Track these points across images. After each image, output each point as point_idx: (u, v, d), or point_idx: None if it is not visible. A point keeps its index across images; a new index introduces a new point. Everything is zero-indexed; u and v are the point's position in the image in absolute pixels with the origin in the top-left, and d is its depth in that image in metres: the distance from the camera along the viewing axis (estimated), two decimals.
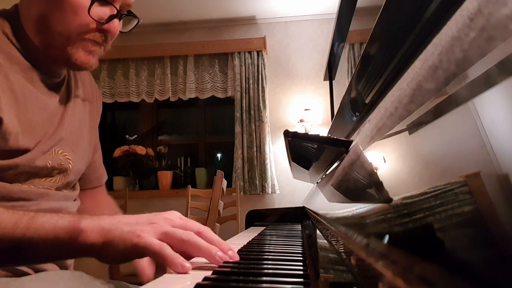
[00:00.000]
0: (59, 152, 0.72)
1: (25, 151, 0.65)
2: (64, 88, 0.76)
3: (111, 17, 0.67)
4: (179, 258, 0.46)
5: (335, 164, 0.66)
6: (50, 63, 0.70)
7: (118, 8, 0.68)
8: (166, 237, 0.49)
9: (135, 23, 0.75)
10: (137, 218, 0.52)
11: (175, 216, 0.54)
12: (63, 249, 0.51)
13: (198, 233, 0.51)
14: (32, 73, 0.68)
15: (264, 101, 3.15)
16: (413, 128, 0.26)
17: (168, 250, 0.47)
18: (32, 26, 0.67)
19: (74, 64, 0.67)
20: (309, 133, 0.68)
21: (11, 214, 0.51)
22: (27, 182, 0.67)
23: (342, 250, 0.32)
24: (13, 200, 0.65)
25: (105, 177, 0.96)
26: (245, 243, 0.73)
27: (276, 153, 3.19)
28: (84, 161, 0.81)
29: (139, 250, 0.47)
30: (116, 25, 0.69)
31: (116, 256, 0.49)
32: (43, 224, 0.51)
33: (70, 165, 0.75)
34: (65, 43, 0.66)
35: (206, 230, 0.52)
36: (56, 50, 0.67)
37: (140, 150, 3.15)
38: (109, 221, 0.50)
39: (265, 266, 0.51)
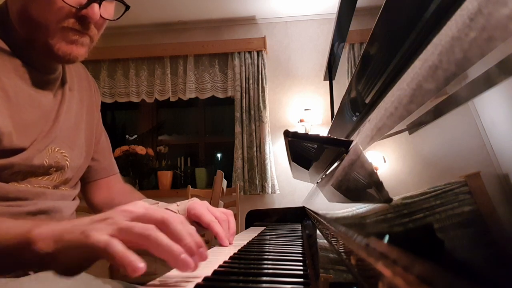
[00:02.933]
0: (56, 149, 0.72)
1: (20, 150, 0.64)
2: (58, 84, 0.75)
3: (89, 2, 0.64)
4: (130, 256, 0.39)
5: (335, 164, 0.66)
6: (39, 58, 0.69)
7: None
8: (120, 234, 0.41)
9: (124, 10, 0.71)
10: (93, 217, 0.46)
11: (137, 206, 0.46)
12: (15, 259, 0.46)
13: (162, 223, 0.43)
14: (24, 70, 0.67)
15: (264, 101, 3.15)
16: (413, 128, 0.26)
17: (116, 247, 0.39)
18: (17, 21, 0.65)
19: (57, 55, 0.65)
20: (309, 133, 0.68)
21: None
22: (24, 181, 0.67)
23: (342, 250, 0.32)
24: (10, 200, 0.64)
25: (114, 168, 0.95)
26: (245, 243, 0.73)
27: (276, 153, 3.19)
28: (82, 156, 0.80)
29: (89, 251, 0.41)
30: (96, 11, 0.65)
31: (71, 264, 0.44)
32: None
33: (67, 162, 0.74)
34: (45, 34, 0.63)
35: (172, 219, 0.44)
36: (38, 42, 0.65)
37: (140, 150, 3.15)
38: (64, 226, 0.45)
39: (265, 266, 0.51)
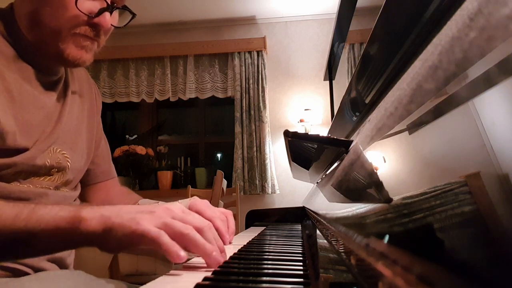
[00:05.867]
0: (58, 150, 0.72)
1: (23, 150, 0.65)
2: (61, 86, 0.75)
3: (102, 11, 0.66)
4: (175, 247, 0.46)
5: (335, 164, 0.66)
6: (45, 60, 0.70)
7: (109, 2, 0.67)
8: (164, 227, 0.49)
9: (130, 17, 0.74)
10: (138, 208, 0.52)
11: (176, 207, 0.54)
12: (64, 239, 0.51)
13: (198, 229, 0.50)
14: (28, 71, 0.68)
15: (264, 101, 3.15)
16: (413, 128, 0.26)
17: (165, 238, 0.47)
18: (25, 24, 0.66)
19: (66, 60, 0.67)
20: (309, 133, 0.68)
21: (11, 207, 0.52)
22: (26, 181, 0.67)
23: (342, 250, 0.32)
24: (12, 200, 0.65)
25: (112, 172, 0.96)
26: (245, 243, 0.73)
27: (276, 153, 3.19)
28: (83, 158, 0.81)
29: (137, 237, 0.48)
30: (107, 19, 0.67)
31: (116, 243, 0.49)
32: (44, 215, 0.51)
33: (68, 163, 0.75)
34: (56, 39, 0.65)
35: (207, 227, 0.52)
36: (48, 46, 0.66)
37: (140, 150, 3.15)
38: (110, 210, 0.51)
39: (265, 266, 0.51)
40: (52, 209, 0.52)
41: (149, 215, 0.50)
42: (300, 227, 1.11)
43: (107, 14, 0.67)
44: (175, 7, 3.18)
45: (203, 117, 3.66)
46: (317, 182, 1.07)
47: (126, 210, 0.51)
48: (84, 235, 0.50)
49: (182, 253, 0.46)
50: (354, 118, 0.66)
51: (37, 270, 0.67)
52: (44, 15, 0.64)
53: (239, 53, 3.25)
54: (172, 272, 0.46)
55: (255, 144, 3.13)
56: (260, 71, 3.19)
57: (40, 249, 0.55)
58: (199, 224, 0.52)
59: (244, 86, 3.19)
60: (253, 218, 1.36)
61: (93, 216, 0.50)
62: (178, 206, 0.54)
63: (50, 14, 0.64)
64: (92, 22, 0.66)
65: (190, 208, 0.74)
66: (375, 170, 0.33)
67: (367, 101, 0.54)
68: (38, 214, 0.51)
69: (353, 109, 0.67)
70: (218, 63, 3.33)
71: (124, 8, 0.72)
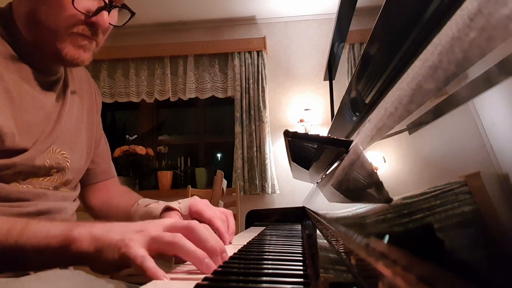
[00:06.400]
0: (57, 150, 0.72)
1: (22, 150, 0.65)
2: (60, 86, 0.75)
3: (99, 9, 0.65)
4: (159, 272, 0.44)
5: (335, 164, 0.66)
6: (44, 60, 0.69)
7: (107, 1, 0.66)
8: (153, 243, 0.48)
9: (129, 16, 0.73)
10: (128, 226, 0.51)
11: (167, 221, 0.52)
12: (55, 258, 0.50)
13: (188, 229, 0.50)
14: (27, 72, 0.67)
15: (264, 101, 3.15)
16: (413, 128, 0.26)
17: (148, 264, 0.45)
18: (23, 23, 0.66)
19: (64, 59, 0.66)
20: (309, 133, 0.67)
21: (4, 221, 0.51)
22: (25, 181, 0.67)
23: (342, 250, 0.32)
24: (11, 201, 0.65)
25: (112, 171, 0.96)
26: (245, 243, 0.73)
27: (276, 153, 3.19)
28: (82, 158, 0.81)
29: (125, 260, 0.47)
30: (105, 18, 0.66)
31: (106, 264, 0.48)
32: (35, 233, 0.50)
33: (68, 163, 0.75)
34: (54, 38, 0.64)
35: (197, 225, 0.50)
36: (46, 45, 0.65)
37: (140, 150, 3.15)
38: (101, 229, 0.50)
39: (265, 266, 0.51)
40: (44, 226, 0.51)
41: (137, 235, 0.48)
42: (300, 227, 1.11)
43: (104, 13, 0.66)
44: (175, 7, 3.18)
45: (203, 117, 3.66)
46: (317, 182, 1.07)
47: (117, 230, 0.50)
48: (75, 255, 0.49)
49: (167, 279, 0.44)
50: (354, 118, 0.66)
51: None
52: (41, 15, 0.63)
53: (239, 53, 3.25)
54: (172, 272, 0.46)
55: (255, 144, 3.13)
56: (260, 71, 3.19)
57: (30, 265, 0.55)
58: (187, 223, 0.50)
59: (244, 86, 3.19)
60: (253, 218, 1.36)
61: (84, 236, 0.49)
62: (168, 219, 0.53)
63: (47, 13, 0.63)
64: (89, 21, 0.65)
65: (190, 208, 0.74)
66: (375, 170, 0.33)
67: (367, 101, 0.54)
68: (30, 230, 0.51)
69: (353, 109, 0.67)
70: (218, 63, 3.33)
71: (123, 7, 0.71)
